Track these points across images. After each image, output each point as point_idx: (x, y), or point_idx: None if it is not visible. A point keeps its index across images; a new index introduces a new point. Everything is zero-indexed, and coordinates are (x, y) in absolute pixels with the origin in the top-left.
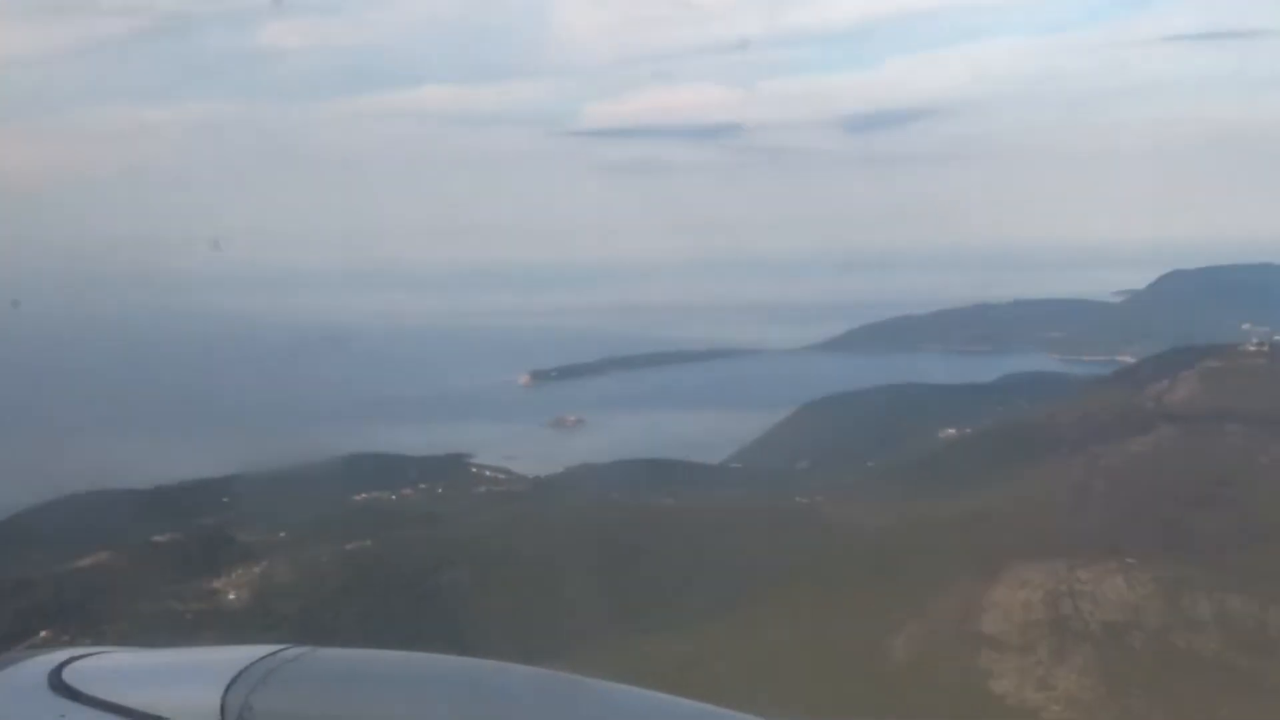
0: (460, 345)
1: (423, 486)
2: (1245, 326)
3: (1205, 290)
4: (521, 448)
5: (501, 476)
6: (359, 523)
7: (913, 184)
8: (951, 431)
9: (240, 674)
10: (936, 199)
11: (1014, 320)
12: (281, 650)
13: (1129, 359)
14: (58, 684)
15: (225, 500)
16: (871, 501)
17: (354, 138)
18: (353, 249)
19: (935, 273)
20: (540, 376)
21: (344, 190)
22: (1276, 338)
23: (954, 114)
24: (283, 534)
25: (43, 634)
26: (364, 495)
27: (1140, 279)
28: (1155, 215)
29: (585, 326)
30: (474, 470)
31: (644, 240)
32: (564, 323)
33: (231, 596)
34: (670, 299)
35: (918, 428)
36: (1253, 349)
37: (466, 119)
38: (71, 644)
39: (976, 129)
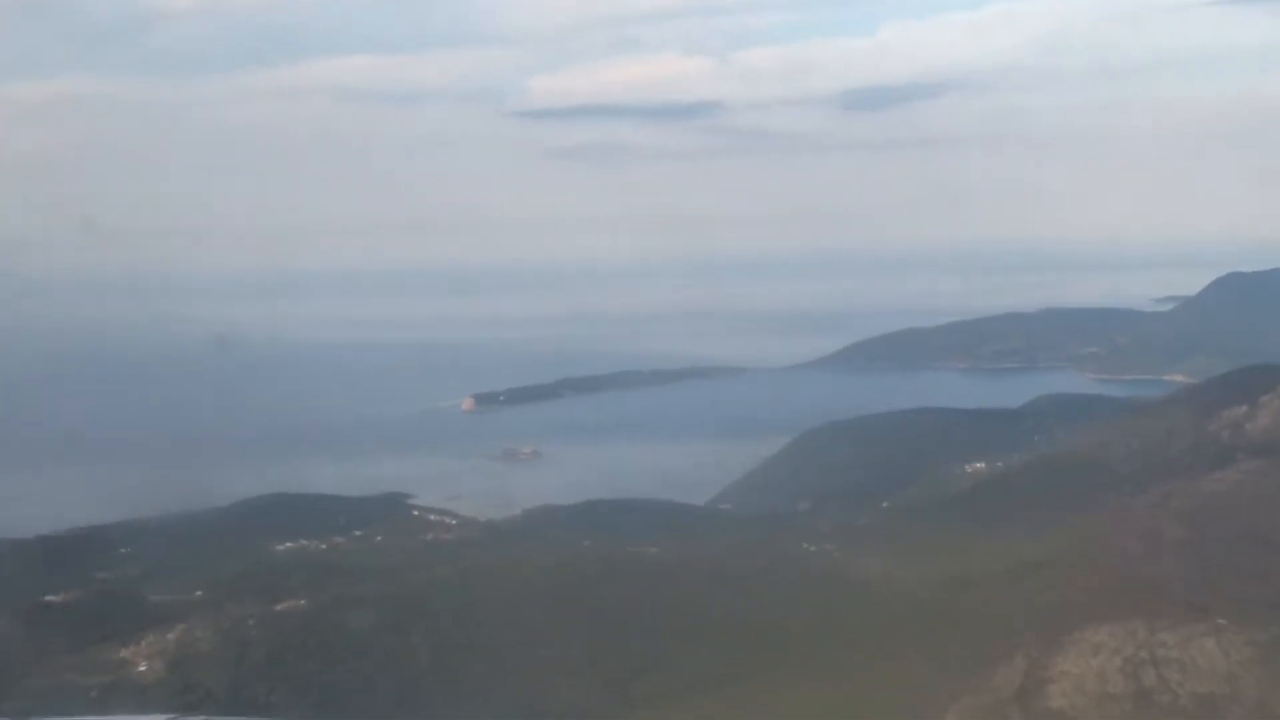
0: (389, 362)
1: (358, 534)
2: None
3: (1271, 296)
4: (469, 485)
5: (450, 521)
6: (288, 578)
7: (920, 171)
8: (980, 465)
9: None
10: (948, 189)
11: (1041, 333)
12: None
13: (1181, 378)
14: None
15: (125, 551)
16: (894, 550)
17: (256, 117)
18: (257, 247)
19: (948, 276)
20: (485, 400)
21: (244, 178)
22: None
23: (965, 89)
24: (199, 592)
25: None
26: (289, 544)
27: (1190, 283)
28: (1205, 208)
29: (536, 340)
30: (415, 514)
31: (604, 238)
32: (511, 335)
33: (142, 668)
34: (636, 307)
35: (939, 460)
36: None
37: (389, 95)
38: None
39: (992, 107)
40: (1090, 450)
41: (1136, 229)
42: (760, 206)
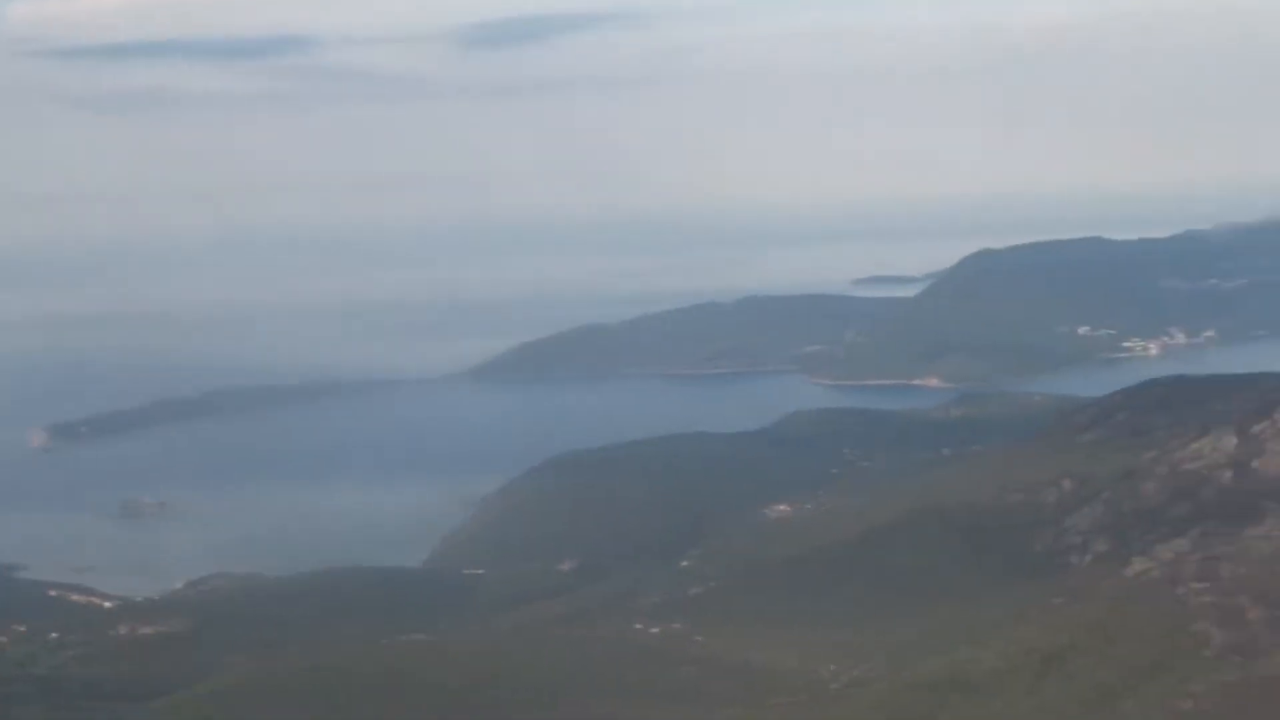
0: None
1: (19, 629)
2: (1083, 330)
3: (1025, 276)
4: (92, 551)
5: (104, 604)
6: None
7: (562, 122)
8: (783, 508)
9: None
10: (598, 144)
11: (749, 328)
12: None
13: (936, 382)
14: None
15: None
16: (781, 632)
17: None
18: None
19: (610, 252)
20: (62, 432)
21: None
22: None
23: (620, 21)
24: None
25: None
26: None
27: (899, 259)
28: (918, 165)
29: (100, 349)
30: (53, 594)
31: (159, 212)
32: (62, 342)
33: None
34: (220, 302)
35: (725, 501)
36: None
37: None
38: None
39: (655, 43)
40: (977, 494)
41: (828, 193)
42: (362, 166)
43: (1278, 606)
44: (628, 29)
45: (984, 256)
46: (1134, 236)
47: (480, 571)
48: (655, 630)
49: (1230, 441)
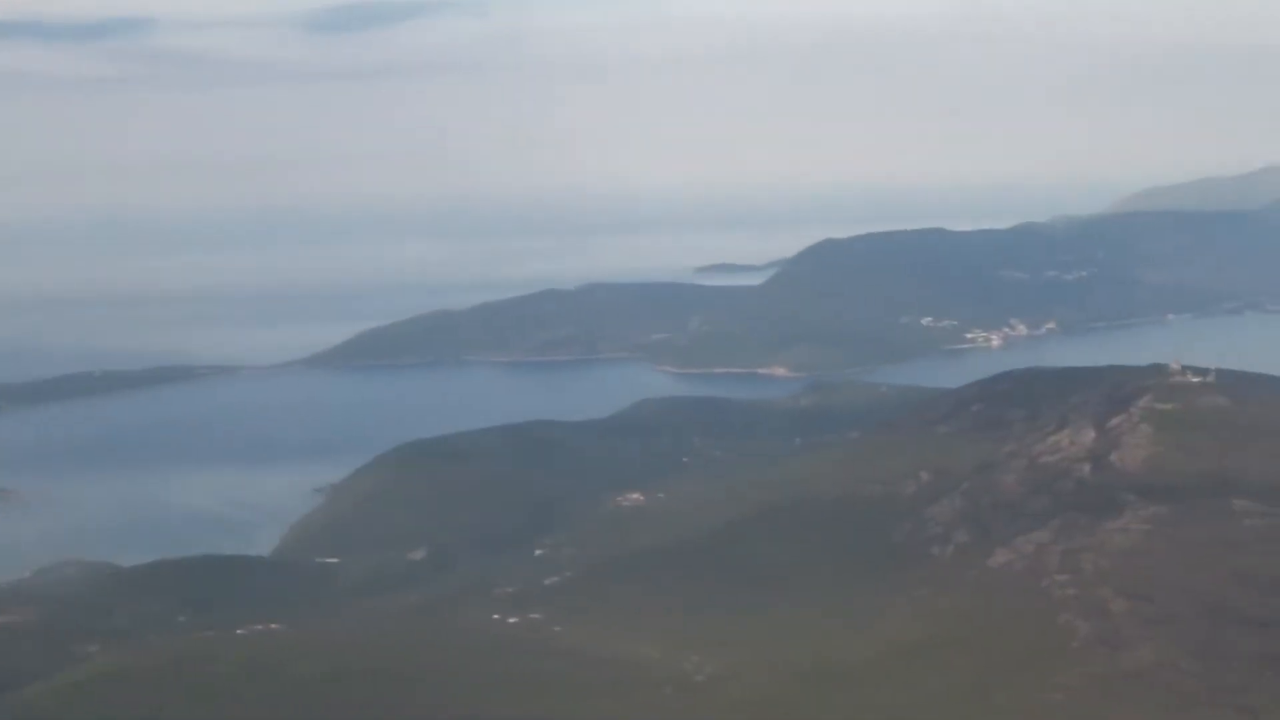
0: None
1: None
2: (926, 321)
3: (864, 266)
4: None
5: None
6: None
7: (403, 109)
8: (636, 496)
9: None
10: (445, 131)
11: (591, 315)
12: None
13: (783, 371)
14: None
15: None
16: (642, 623)
17: None
18: None
19: (457, 239)
20: None
21: None
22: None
23: (463, 10)
24: None
25: None
26: None
27: (733, 248)
28: (776, 153)
29: None
30: None
31: None
32: None
33: None
34: (45, 287)
35: (575, 489)
36: (1194, 381)
37: None
38: None
39: (506, 30)
40: (835, 485)
41: (668, 182)
42: (201, 151)
43: (1140, 599)
44: (467, 16)
45: (827, 246)
46: (972, 227)
47: (333, 560)
48: (514, 620)
49: (1088, 435)
